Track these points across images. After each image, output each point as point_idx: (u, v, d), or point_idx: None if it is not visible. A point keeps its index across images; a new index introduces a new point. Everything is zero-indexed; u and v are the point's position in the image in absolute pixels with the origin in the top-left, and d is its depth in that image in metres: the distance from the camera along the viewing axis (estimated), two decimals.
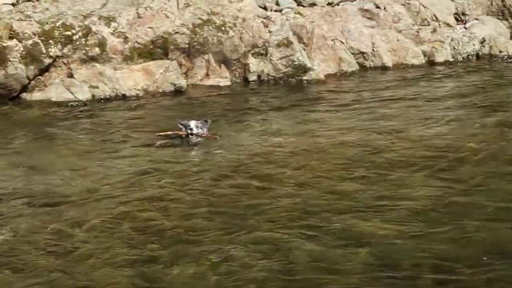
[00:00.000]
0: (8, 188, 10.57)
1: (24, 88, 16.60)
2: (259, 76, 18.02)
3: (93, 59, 17.07)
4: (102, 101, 16.50)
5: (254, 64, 18.03)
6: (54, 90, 16.55)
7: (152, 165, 11.48)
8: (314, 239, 8.29)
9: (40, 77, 16.73)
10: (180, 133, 12.55)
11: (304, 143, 12.32)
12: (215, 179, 10.57)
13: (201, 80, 17.70)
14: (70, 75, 16.89)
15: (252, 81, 17.90)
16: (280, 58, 18.05)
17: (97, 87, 16.68)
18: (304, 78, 18.08)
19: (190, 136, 12.48)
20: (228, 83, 17.72)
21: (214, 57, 17.81)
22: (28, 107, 16.03)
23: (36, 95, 16.51)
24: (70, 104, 16.21)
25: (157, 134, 12.65)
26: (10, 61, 16.43)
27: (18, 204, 9.89)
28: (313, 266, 7.66)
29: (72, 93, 16.50)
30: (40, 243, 8.54)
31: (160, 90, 17.03)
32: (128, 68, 17.23)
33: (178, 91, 17.08)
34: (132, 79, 17.04)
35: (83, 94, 16.53)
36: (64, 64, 16.97)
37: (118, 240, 8.50)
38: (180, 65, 17.68)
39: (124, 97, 16.66)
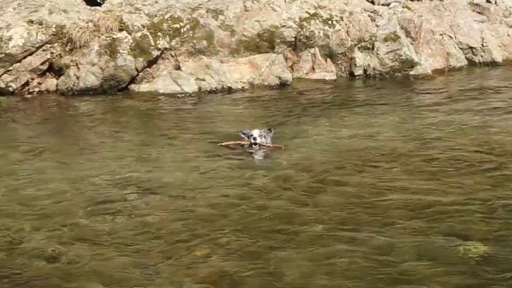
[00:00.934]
0: (119, 177, 10.72)
1: (133, 80, 16.86)
2: (365, 71, 17.85)
3: (200, 51, 17.23)
4: (208, 93, 16.60)
5: (360, 58, 17.87)
6: (162, 82, 16.76)
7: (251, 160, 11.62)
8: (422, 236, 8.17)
9: (148, 68, 16.96)
10: (243, 142, 11.93)
11: (410, 146, 11.88)
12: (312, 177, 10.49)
13: (306, 73, 17.65)
14: (178, 67, 17.09)
15: (358, 75, 17.74)
16: (387, 53, 17.83)
17: (203, 80, 16.81)
18: (411, 73, 17.81)
19: (253, 146, 11.80)
20: (334, 77, 17.61)
21: (320, 51, 17.74)
22: (136, 98, 16.27)
23: (144, 87, 16.75)
24: (177, 96, 16.39)
25: (219, 144, 12.00)
26: (119, 52, 16.72)
27: (130, 192, 10.05)
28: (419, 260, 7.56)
29: (179, 85, 16.67)
30: (149, 229, 8.65)
31: (266, 83, 17.05)
32: (234, 61, 17.33)
33: (283, 85, 17.05)
34: (238, 72, 17.13)
35: (190, 86, 16.68)
36: (172, 56, 17.19)
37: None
38: (286, 58, 17.68)
39: (229, 89, 16.74)
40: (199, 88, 16.71)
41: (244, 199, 9.53)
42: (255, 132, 11.83)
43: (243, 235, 8.32)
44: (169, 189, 10.11)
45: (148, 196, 9.85)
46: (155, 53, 16.99)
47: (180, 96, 16.39)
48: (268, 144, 11.84)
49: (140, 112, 15.32)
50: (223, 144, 11.92)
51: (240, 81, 16.96)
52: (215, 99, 16.21)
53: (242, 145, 11.89)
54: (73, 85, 16.60)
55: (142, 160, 11.62)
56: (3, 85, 16.66)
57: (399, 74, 17.74)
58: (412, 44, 18.29)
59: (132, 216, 9.10)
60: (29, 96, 16.76)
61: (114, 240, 8.35)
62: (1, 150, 12.37)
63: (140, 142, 12.82)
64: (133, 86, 16.82)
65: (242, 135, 11.95)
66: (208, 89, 16.72)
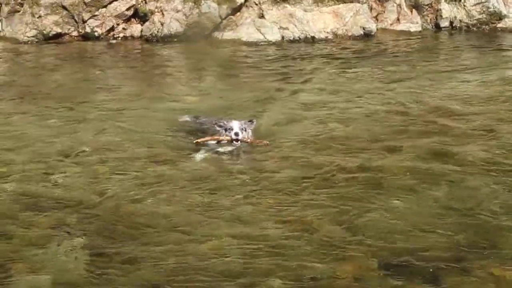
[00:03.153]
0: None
1: (216, 27, 16.86)
2: (451, 23, 17.55)
3: (284, 0, 17.10)
4: (291, 42, 16.54)
5: (447, 10, 17.55)
6: (245, 30, 16.74)
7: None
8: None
9: (232, 16, 16.94)
10: (222, 138, 9.71)
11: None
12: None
13: (391, 24, 17.43)
14: (261, 16, 17.04)
15: (444, 27, 17.48)
16: (475, 5, 17.47)
17: (287, 29, 16.76)
18: (499, 25, 17.47)
19: (234, 142, 9.61)
20: (419, 28, 17.34)
21: (405, 1, 17.50)
22: (220, 46, 16.31)
23: (227, 34, 16.76)
24: (260, 44, 16.38)
25: (195, 141, 9.75)
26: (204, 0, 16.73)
27: None
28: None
29: (262, 33, 16.65)
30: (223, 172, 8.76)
31: (349, 34, 16.91)
32: (318, 10, 17.20)
33: (367, 35, 16.89)
34: (321, 21, 17.00)
35: (273, 35, 16.64)
36: (256, 4, 17.13)
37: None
38: (371, 8, 17.48)
39: (313, 39, 16.66)
40: (282, 37, 16.67)
41: None
42: (235, 125, 9.70)
43: None
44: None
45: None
46: (239, 0, 16.94)
47: (263, 44, 16.36)
48: (250, 140, 9.75)
49: (223, 59, 15.34)
50: (199, 141, 9.74)
51: (324, 31, 16.84)
52: (298, 48, 16.12)
53: (219, 142, 9.75)
54: (157, 31, 16.72)
55: (221, 107, 11.63)
56: (89, 30, 16.88)
57: (486, 27, 17.44)
58: None
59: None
60: (114, 41, 16.96)
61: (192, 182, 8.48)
62: (86, 95, 12.53)
63: (222, 87, 12.85)
64: (216, 34, 16.83)
65: (218, 128, 9.80)
66: (291, 38, 16.67)
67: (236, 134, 9.53)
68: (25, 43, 16.56)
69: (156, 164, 9.09)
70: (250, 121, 9.87)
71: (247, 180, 8.45)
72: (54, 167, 8.98)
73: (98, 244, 6.87)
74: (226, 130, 9.65)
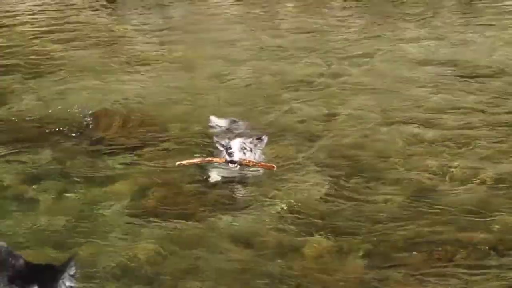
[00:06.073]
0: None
1: None
2: None
3: None
4: None
5: None
6: None
7: None
8: None
9: None
10: (216, 160, 8.01)
11: None
12: None
13: None
14: None
15: None
16: None
17: None
18: None
19: (230, 164, 7.87)
20: None
21: None
22: None
23: None
24: None
25: (178, 163, 8.03)
26: None
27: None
28: None
29: None
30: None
31: None
32: None
33: None
34: None
35: None
36: None
37: None
38: None
39: None
40: None
41: None
42: (235, 144, 7.92)
43: None
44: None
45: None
46: None
47: None
48: (252, 163, 7.94)
49: None
50: (183, 163, 8.08)
51: None
52: None
53: (217, 163, 8.06)
54: None
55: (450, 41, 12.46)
56: None
57: None
58: None
59: None
60: None
61: None
62: None
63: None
64: None
65: (220, 147, 8.11)
66: None
67: (230, 154, 7.86)
68: None
69: None
70: (258, 138, 8.15)
71: None
72: None
73: None
74: (226, 149, 7.98)
